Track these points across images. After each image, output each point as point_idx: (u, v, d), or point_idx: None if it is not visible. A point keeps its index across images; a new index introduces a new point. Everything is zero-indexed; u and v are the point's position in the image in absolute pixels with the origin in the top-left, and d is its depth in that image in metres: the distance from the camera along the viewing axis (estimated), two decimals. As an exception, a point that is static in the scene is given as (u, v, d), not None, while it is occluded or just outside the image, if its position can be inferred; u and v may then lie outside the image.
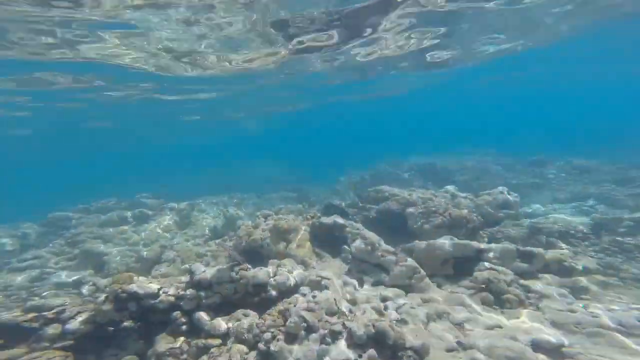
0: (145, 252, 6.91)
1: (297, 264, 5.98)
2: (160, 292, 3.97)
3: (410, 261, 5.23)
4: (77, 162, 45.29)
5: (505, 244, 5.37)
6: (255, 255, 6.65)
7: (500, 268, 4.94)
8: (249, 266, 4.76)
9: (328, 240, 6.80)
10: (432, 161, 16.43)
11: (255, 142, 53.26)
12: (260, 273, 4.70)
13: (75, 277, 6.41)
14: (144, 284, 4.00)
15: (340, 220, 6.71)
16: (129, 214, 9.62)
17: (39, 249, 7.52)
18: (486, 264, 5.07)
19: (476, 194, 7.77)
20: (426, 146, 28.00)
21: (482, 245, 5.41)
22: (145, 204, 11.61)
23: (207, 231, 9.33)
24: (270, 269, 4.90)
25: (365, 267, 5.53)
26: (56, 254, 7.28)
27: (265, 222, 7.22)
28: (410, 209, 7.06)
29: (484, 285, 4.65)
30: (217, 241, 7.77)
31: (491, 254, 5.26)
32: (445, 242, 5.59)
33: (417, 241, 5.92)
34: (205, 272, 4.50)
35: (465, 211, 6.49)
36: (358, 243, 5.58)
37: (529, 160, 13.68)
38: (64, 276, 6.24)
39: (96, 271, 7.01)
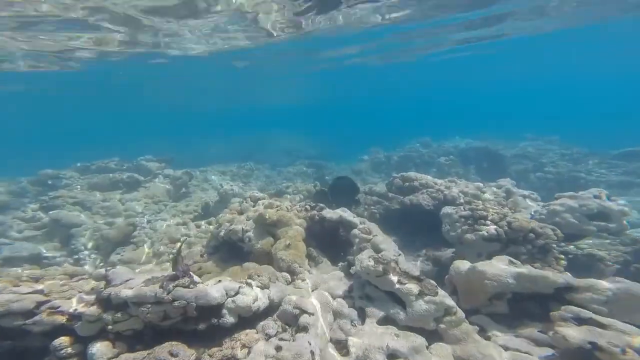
0: (107, 231, 5.83)
1: (282, 270, 4.43)
2: (42, 308, 2.61)
3: (441, 295, 3.40)
4: (107, 116, 47.13)
5: (627, 283, 3.24)
6: (236, 250, 5.22)
7: (612, 323, 2.91)
8: (196, 279, 3.26)
9: (330, 240, 5.14)
10: (479, 145, 13.60)
11: (284, 111, 51.49)
12: (212, 291, 3.19)
13: (33, 252, 5.50)
14: (22, 288, 2.66)
15: (349, 216, 4.94)
16: (124, 176, 8.63)
17: (6, 212, 6.81)
18: (582, 311, 3.06)
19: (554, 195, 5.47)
20: (471, 127, 24.28)
21: (576, 281, 3.38)
22: (145, 167, 10.66)
23: (199, 208, 8.09)
24: (229, 283, 3.37)
25: (372, 293, 3.80)
26: (25, 220, 6.52)
27: (253, 207, 5.68)
28: (448, 209, 5.05)
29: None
30: (202, 223, 6.42)
31: (590, 295, 3.23)
32: (503, 267, 3.64)
33: (457, 261, 4.01)
34: (129, 282, 3.08)
35: (533, 221, 4.36)
36: (366, 258, 3.81)
37: (622, 152, 10.35)
38: (15, 249, 5.35)
39: (62, 245, 6.09)
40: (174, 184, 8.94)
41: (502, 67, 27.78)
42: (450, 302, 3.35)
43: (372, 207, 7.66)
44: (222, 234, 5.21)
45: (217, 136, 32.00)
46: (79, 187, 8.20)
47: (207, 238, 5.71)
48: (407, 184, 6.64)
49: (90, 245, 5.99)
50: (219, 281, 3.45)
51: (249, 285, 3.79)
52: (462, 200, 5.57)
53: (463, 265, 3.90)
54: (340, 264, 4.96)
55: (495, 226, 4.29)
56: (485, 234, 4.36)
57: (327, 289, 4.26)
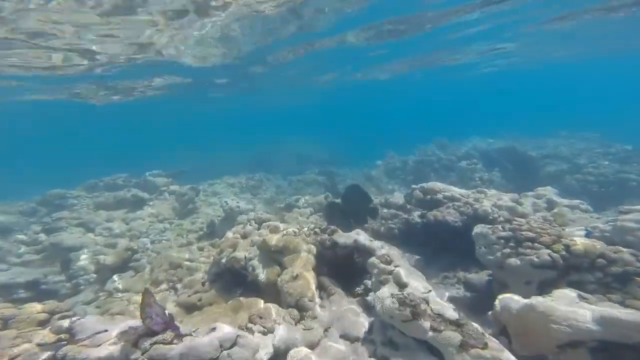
0: (103, 257, 5.43)
1: (289, 305, 3.83)
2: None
3: (494, 349, 2.67)
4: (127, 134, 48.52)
5: None
6: (239, 278, 4.67)
7: None
8: (182, 330, 2.70)
9: (344, 266, 4.49)
10: (503, 145, 12.55)
11: (294, 115, 51.29)
12: (203, 344, 2.62)
13: (29, 278, 5.18)
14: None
15: (365, 240, 4.28)
16: (129, 195, 8.36)
17: (8, 236, 6.61)
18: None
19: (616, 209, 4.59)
20: (489, 126, 22.91)
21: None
22: (152, 183, 10.43)
23: (205, 226, 7.66)
24: (225, 332, 2.80)
25: (398, 338, 3.12)
26: (26, 244, 6.28)
27: (258, 230, 5.12)
28: (483, 229, 4.29)
29: None
30: (206, 244, 5.95)
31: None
32: (576, 311, 2.85)
33: (505, 297, 3.26)
34: (98, 336, 2.55)
35: (598, 243, 3.54)
36: (388, 296, 3.14)
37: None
38: (11, 275, 5.02)
39: (62, 269, 5.76)
40: (179, 200, 8.58)
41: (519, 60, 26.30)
42: (508, 356, 2.61)
43: (390, 222, 6.94)
44: (223, 260, 4.68)
45: (229, 142, 32.06)
46: (85, 207, 7.97)
47: (210, 263, 5.20)
48: (429, 196, 5.91)
49: (89, 269, 5.62)
50: (213, 329, 2.89)
51: (250, 330, 3.22)
52: (495, 216, 4.77)
53: (514, 302, 3.14)
54: (356, 289, 4.30)
55: (548, 251, 3.50)
56: (536, 259, 3.58)
57: (341, 330, 3.61)
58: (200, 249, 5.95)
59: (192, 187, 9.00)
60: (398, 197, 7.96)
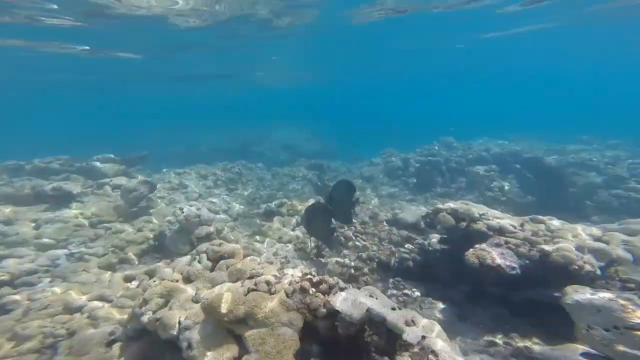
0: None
1: None
2: None
3: None
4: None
5: None
6: (169, 346, 2.83)
7: None
8: None
9: (346, 346, 2.75)
10: (520, 149, 11.02)
11: (286, 99, 48.35)
12: None
13: None
14: None
15: (382, 310, 2.49)
16: (48, 188, 6.19)
17: None
18: None
19: None
20: (498, 126, 21.49)
21: None
22: (97, 170, 8.24)
23: (155, 233, 5.70)
24: None
25: None
26: None
27: (210, 270, 3.25)
28: (584, 296, 2.62)
29: None
30: (138, 277, 4.06)
31: None
32: None
33: None
34: None
35: None
36: None
37: None
38: None
39: None
40: (125, 197, 6.51)
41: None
42: None
43: (401, 249, 5.24)
44: (145, 319, 2.82)
45: (210, 125, 29.24)
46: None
47: (131, 311, 3.29)
48: (463, 223, 4.19)
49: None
50: None
51: None
52: (580, 263, 3.13)
53: None
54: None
55: None
56: None
57: None
58: (128, 280, 4.05)
59: (144, 181, 6.91)
60: (409, 214, 6.26)
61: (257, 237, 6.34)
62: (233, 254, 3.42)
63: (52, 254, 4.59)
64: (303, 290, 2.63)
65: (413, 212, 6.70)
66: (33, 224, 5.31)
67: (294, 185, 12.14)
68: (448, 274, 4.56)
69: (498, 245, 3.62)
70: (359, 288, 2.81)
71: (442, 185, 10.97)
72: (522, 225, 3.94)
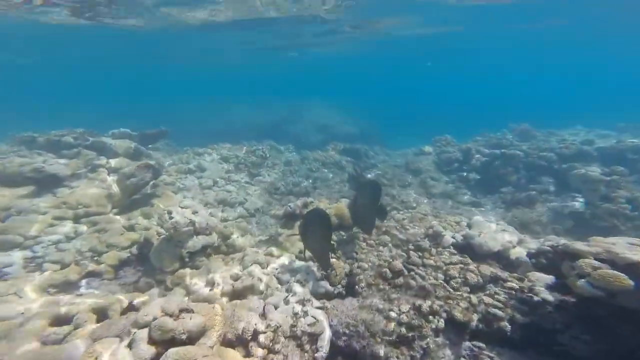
0: None
1: None
2: None
3: None
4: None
5: None
6: None
7: None
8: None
9: None
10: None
11: (326, 72, 45.24)
12: None
13: None
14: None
15: None
16: (27, 169, 5.23)
17: None
18: None
19: None
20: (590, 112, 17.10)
21: None
22: (108, 147, 7.29)
23: (141, 238, 4.44)
24: None
25: None
26: None
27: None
28: None
29: None
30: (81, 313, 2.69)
31: None
32: None
33: None
34: None
35: None
36: None
37: None
38: None
39: None
40: (122, 184, 5.36)
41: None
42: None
43: (486, 297, 3.33)
44: None
45: (252, 101, 27.66)
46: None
47: None
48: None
49: None
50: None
51: None
52: None
53: None
54: None
55: None
56: None
57: None
58: (57, 321, 2.76)
59: (146, 164, 5.69)
60: (488, 235, 4.26)
61: (274, 249, 4.83)
62: (202, 332, 1.86)
63: (4, 259, 3.54)
64: None
65: (493, 232, 4.63)
66: (3, 213, 4.36)
67: (325, 173, 10.42)
68: (583, 349, 2.60)
69: None
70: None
71: (516, 186, 8.43)
72: None
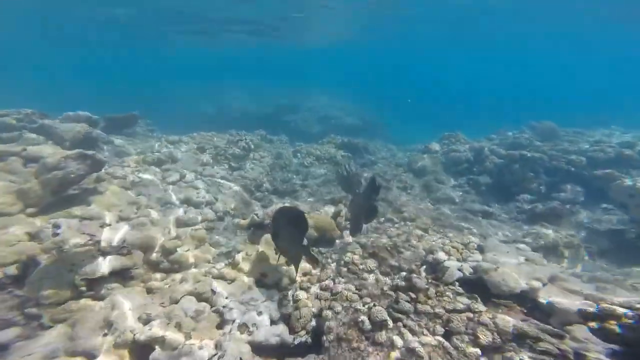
0: None
1: None
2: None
3: None
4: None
5: None
6: None
7: None
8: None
9: None
10: None
11: (327, 60, 43.25)
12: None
13: None
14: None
15: None
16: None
17: None
18: None
19: None
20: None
21: None
22: (53, 130, 6.26)
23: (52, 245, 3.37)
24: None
25: None
26: None
27: None
28: None
29: None
30: None
31: None
32: None
33: None
34: None
35: None
36: None
37: None
38: None
39: None
40: (43, 178, 4.30)
41: None
42: None
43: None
44: None
45: (249, 86, 26.07)
46: None
47: None
48: None
49: None
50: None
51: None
52: None
53: None
54: None
55: None
56: None
57: None
58: None
59: (80, 154, 4.62)
60: (507, 269, 3.08)
61: (226, 271, 3.75)
62: None
63: None
64: None
65: (513, 261, 3.46)
66: None
67: (317, 169, 9.26)
68: None
69: None
70: None
71: (536, 193, 7.18)
72: None
